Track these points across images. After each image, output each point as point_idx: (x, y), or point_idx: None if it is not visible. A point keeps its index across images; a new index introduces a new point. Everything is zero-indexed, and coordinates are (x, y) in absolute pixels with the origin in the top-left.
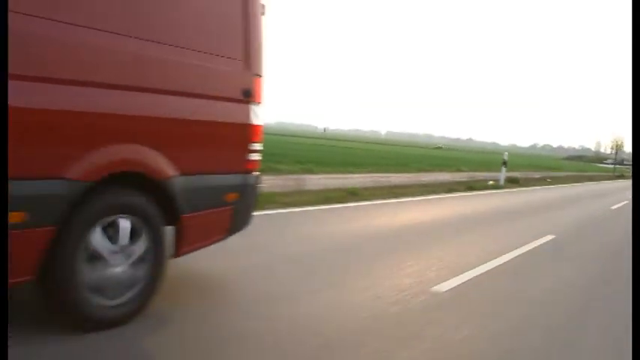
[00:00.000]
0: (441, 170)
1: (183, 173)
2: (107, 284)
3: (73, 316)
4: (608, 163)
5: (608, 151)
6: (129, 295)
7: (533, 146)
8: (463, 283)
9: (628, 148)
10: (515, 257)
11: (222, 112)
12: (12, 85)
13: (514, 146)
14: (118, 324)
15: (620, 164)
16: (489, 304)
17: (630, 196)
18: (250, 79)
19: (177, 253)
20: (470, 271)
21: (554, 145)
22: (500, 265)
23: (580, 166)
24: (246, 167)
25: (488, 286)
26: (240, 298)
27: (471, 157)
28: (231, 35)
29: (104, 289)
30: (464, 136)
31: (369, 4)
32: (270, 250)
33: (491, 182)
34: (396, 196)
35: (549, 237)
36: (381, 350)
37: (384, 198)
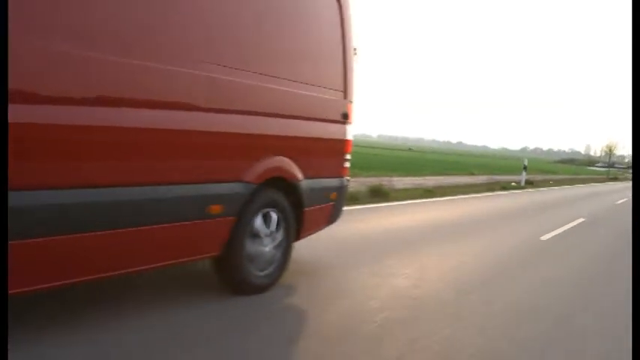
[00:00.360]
0: (458, 174)
1: (306, 177)
2: (259, 258)
3: (236, 279)
4: (599, 166)
5: (598, 154)
6: (270, 269)
7: (524, 149)
8: (551, 237)
9: (618, 151)
10: (570, 227)
11: (330, 131)
12: (220, 118)
13: (505, 149)
14: (262, 290)
15: (611, 167)
16: (573, 244)
17: (629, 195)
18: (346, 105)
19: (298, 238)
20: (550, 233)
21: (545, 148)
22: (565, 230)
23: (573, 169)
24: (342, 173)
25: (566, 238)
26: (366, 260)
27: (468, 161)
28: (336, 73)
29: (256, 261)
30: (454, 140)
31: (357, 3)
32: (407, 225)
33: (513, 183)
34: (455, 194)
35: (581, 219)
36: (532, 260)
37: (453, 195)
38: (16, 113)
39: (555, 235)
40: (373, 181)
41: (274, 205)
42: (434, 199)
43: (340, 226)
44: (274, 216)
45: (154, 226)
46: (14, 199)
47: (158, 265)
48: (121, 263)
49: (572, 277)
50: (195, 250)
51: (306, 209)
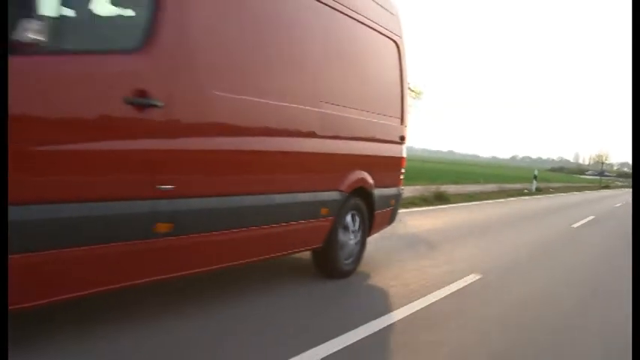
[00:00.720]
0: (468, 183)
1: (377, 187)
2: (346, 249)
3: (330, 266)
4: (589, 175)
5: (587, 162)
6: (350, 259)
7: (514, 158)
8: (579, 225)
9: (607, 160)
10: (587, 221)
11: (392, 150)
12: (327, 143)
13: (495, 158)
14: (346, 276)
15: (601, 175)
16: (595, 231)
17: (624, 200)
18: (403, 129)
19: (369, 235)
20: (577, 223)
21: (534, 156)
22: (583, 222)
23: (565, 177)
24: (399, 183)
25: (590, 226)
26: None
27: (467, 170)
28: (396, 104)
29: (344, 251)
30: (444, 148)
31: None
32: (474, 220)
33: (526, 190)
34: (489, 199)
35: (592, 216)
36: (572, 237)
37: (489, 199)
38: (214, 142)
39: (579, 225)
40: (419, 189)
41: (357, 209)
42: (478, 202)
43: (437, 219)
44: (357, 217)
45: (289, 223)
46: (192, 203)
47: (287, 253)
48: (266, 251)
49: (599, 244)
50: (309, 242)
51: (376, 212)
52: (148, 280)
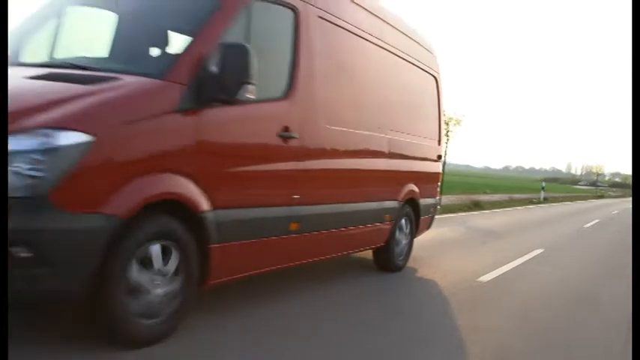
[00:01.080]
0: (476, 193)
1: (422, 197)
2: (399, 247)
3: (388, 261)
4: (582, 185)
5: (579, 173)
6: (402, 257)
7: (506, 168)
8: (590, 226)
9: (599, 170)
10: (594, 223)
11: (432, 167)
12: (391, 161)
13: (487, 168)
14: (399, 270)
15: (594, 186)
16: (602, 229)
17: (619, 208)
18: (439, 149)
19: (415, 237)
20: (588, 224)
21: (526, 166)
22: (592, 224)
23: (560, 187)
24: (436, 194)
25: (595, 227)
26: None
27: (468, 181)
28: (435, 127)
29: (398, 248)
30: None
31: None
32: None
33: (534, 200)
34: (509, 206)
35: (597, 220)
36: (586, 232)
37: (510, 207)
38: (334, 164)
39: (589, 226)
40: (451, 198)
41: (408, 215)
42: (507, 209)
43: (488, 220)
44: (408, 222)
45: (364, 226)
46: (331, 208)
47: (360, 249)
48: (353, 246)
49: (606, 237)
50: (376, 241)
51: (421, 218)
52: (285, 265)
